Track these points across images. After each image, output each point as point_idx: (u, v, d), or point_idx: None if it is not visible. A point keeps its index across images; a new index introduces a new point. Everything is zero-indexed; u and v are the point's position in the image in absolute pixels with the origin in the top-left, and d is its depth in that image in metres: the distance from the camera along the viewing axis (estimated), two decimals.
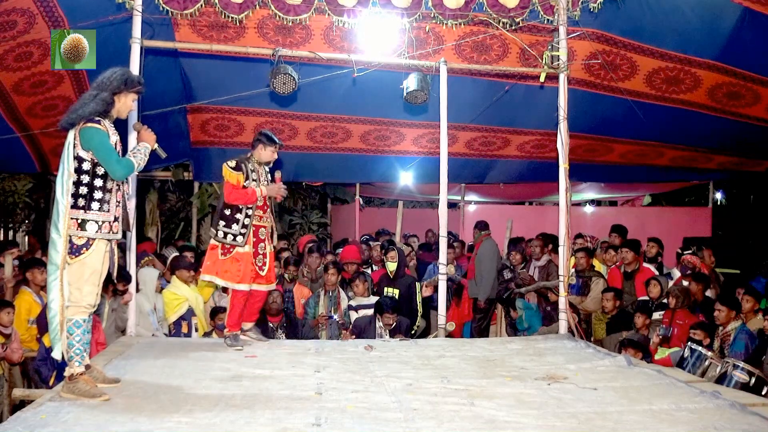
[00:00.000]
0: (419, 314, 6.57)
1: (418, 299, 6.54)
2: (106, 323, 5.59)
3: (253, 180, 4.94)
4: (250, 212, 4.90)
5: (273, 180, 5.16)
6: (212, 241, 4.93)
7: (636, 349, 5.29)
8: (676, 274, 6.89)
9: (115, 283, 5.42)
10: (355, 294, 6.41)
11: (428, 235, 9.78)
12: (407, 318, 6.19)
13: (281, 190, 5.08)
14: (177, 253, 7.20)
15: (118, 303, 5.64)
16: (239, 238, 4.86)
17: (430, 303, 7.05)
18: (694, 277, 6.34)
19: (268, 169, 5.16)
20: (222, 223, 4.88)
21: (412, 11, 5.57)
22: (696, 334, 5.20)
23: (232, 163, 4.92)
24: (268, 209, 5.06)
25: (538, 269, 7.50)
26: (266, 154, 5.04)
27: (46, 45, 5.73)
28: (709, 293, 6.36)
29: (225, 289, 6.36)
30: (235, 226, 4.87)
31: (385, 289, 6.50)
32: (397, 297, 6.33)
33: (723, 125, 7.75)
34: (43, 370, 4.84)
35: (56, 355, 3.46)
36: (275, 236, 5.17)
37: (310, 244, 7.56)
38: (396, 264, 6.54)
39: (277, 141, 5.09)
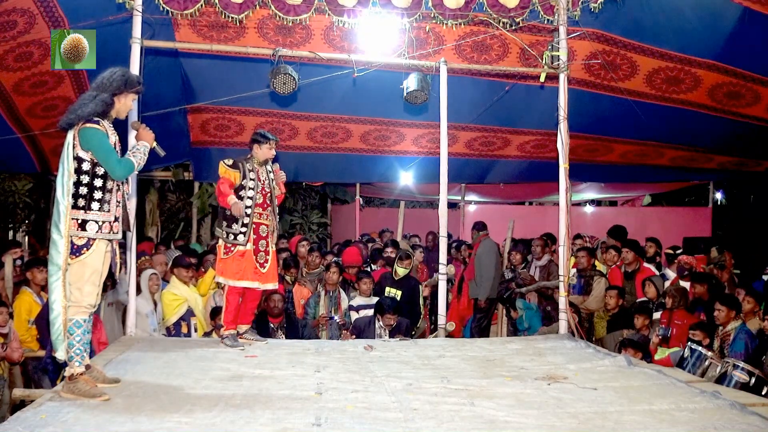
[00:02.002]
0: (421, 316, 6.56)
1: (421, 301, 6.53)
2: (103, 321, 5.60)
3: (251, 179, 4.96)
4: (249, 211, 4.93)
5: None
6: (219, 242, 5.02)
7: (636, 349, 5.29)
8: (671, 274, 6.89)
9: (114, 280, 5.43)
10: (360, 293, 6.42)
11: (428, 238, 9.73)
12: (409, 319, 6.19)
13: (281, 176, 5.18)
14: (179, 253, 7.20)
15: (114, 297, 5.63)
16: (240, 237, 4.90)
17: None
18: (694, 277, 6.33)
19: (269, 168, 5.16)
20: (224, 222, 4.96)
21: (412, 11, 5.57)
22: (695, 335, 5.19)
23: (229, 162, 4.99)
24: (269, 207, 5.06)
25: (539, 269, 7.50)
26: (263, 152, 5.07)
27: (46, 45, 5.73)
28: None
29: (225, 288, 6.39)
30: (235, 225, 4.92)
31: (387, 289, 6.49)
32: (398, 298, 6.34)
33: (723, 125, 7.75)
34: (50, 368, 4.85)
35: (60, 355, 3.46)
36: (275, 235, 5.18)
37: (310, 244, 7.55)
38: (407, 272, 6.55)
39: (271, 137, 5.12)
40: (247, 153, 5.19)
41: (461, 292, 7.88)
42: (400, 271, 6.56)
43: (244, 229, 4.91)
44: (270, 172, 5.15)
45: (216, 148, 9.03)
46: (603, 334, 6.46)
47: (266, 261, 5.03)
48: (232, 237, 4.90)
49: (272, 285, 5.17)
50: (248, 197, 4.95)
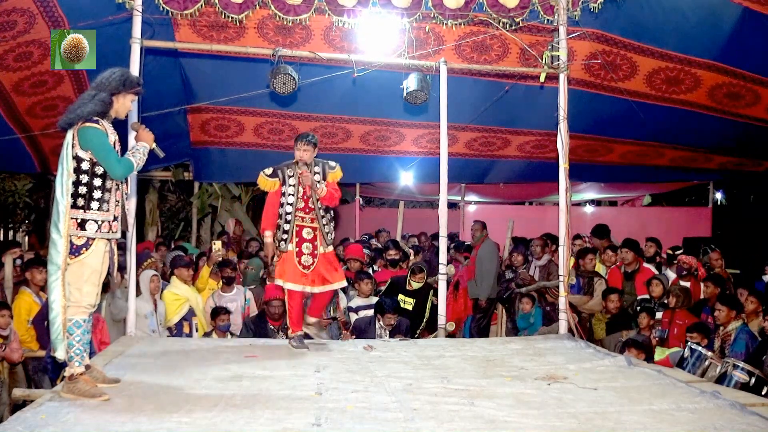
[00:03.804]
0: (425, 318, 6.56)
1: (428, 306, 6.53)
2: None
3: (291, 185, 4.95)
4: (289, 217, 4.94)
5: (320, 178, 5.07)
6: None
7: (639, 349, 5.28)
8: (671, 275, 6.88)
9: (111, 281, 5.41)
10: (360, 294, 6.41)
11: (421, 239, 9.70)
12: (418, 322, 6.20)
13: (306, 179, 4.98)
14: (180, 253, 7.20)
15: (112, 296, 5.63)
16: (282, 244, 4.95)
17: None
18: (709, 278, 6.33)
19: (317, 170, 5.01)
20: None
21: (412, 11, 5.57)
22: (692, 337, 5.18)
23: (269, 171, 4.99)
24: (312, 211, 4.98)
25: (539, 269, 7.50)
26: (298, 153, 4.99)
27: (46, 45, 5.73)
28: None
29: (224, 289, 6.40)
30: (278, 232, 4.97)
31: (400, 296, 6.48)
32: (411, 308, 6.35)
33: (723, 125, 7.75)
34: (50, 368, 4.85)
35: (59, 355, 3.46)
36: (328, 237, 5.02)
37: None
38: (420, 285, 6.55)
39: (301, 138, 5.02)
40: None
41: (457, 291, 7.88)
42: (415, 285, 6.55)
43: (285, 236, 4.94)
44: (316, 173, 5.01)
45: (216, 148, 9.03)
46: (602, 335, 6.46)
47: (312, 264, 4.97)
48: (278, 242, 4.96)
49: (321, 288, 5.03)
50: (288, 203, 4.95)
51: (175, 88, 7.46)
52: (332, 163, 5.13)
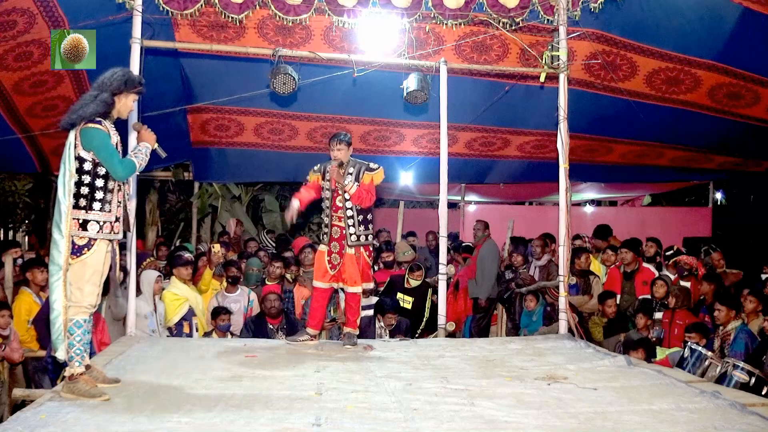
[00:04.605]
0: (425, 318, 6.55)
1: (428, 305, 6.54)
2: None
3: (327, 180, 5.05)
4: (327, 211, 5.06)
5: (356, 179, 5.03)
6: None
7: (643, 348, 5.27)
8: (670, 275, 6.87)
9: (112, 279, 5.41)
10: None
11: (429, 237, 9.72)
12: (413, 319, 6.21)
13: (332, 172, 4.96)
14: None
15: (114, 296, 5.62)
16: (324, 237, 5.10)
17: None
18: (705, 277, 6.34)
19: (350, 170, 5.01)
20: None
21: (412, 11, 5.57)
22: (691, 337, 5.19)
23: (316, 167, 5.16)
24: (340, 210, 4.99)
25: (539, 269, 7.50)
26: (332, 152, 5.04)
27: (46, 45, 5.73)
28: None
29: (228, 290, 6.39)
30: (321, 227, 5.16)
31: (399, 294, 6.47)
32: (410, 306, 6.35)
33: (723, 125, 7.75)
34: (50, 368, 4.86)
35: (60, 355, 3.46)
36: (362, 239, 5.00)
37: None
38: (419, 282, 6.55)
39: (333, 137, 5.06)
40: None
41: (458, 290, 7.88)
42: (413, 282, 6.57)
43: (326, 230, 5.06)
44: (350, 173, 5.01)
45: (216, 148, 9.04)
46: (600, 338, 6.45)
47: (339, 264, 5.01)
48: (321, 236, 5.12)
49: (349, 288, 5.07)
50: (326, 198, 5.07)
51: (175, 88, 7.46)
52: (373, 165, 5.13)
